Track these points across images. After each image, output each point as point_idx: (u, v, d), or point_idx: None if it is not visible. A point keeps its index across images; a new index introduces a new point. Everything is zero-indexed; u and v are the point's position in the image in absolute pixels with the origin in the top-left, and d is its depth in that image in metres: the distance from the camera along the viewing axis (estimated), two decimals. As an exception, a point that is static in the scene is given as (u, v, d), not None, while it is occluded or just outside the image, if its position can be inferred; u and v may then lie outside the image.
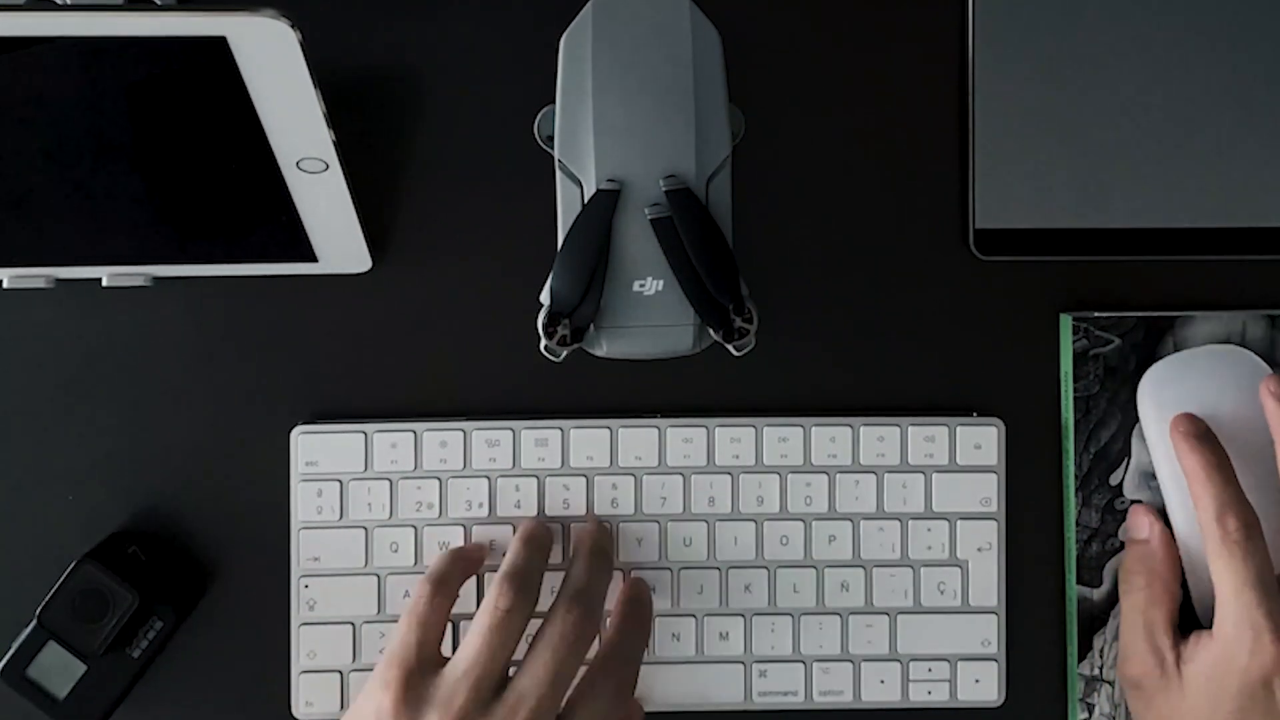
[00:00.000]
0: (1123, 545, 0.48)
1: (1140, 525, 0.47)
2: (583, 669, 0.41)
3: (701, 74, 0.44)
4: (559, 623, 0.41)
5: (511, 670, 0.41)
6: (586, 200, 0.43)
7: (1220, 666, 0.42)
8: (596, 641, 0.44)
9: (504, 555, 0.44)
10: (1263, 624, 0.41)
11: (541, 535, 0.45)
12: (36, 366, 0.48)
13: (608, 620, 0.45)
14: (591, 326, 0.44)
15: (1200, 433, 0.45)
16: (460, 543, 0.47)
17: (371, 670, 0.46)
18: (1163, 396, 0.47)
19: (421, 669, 0.40)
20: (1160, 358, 0.48)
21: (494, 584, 0.41)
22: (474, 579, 0.46)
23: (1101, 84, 0.48)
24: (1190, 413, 0.46)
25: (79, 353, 0.48)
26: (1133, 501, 0.47)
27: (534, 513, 0.47)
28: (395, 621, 0.46)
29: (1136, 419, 0.48)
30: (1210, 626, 0.43)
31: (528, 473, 0.47)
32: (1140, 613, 0.45)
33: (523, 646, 0.41)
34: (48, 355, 0.48)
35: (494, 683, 0.39)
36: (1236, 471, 0.44)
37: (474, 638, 0.40)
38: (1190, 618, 0.46)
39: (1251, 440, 0.45)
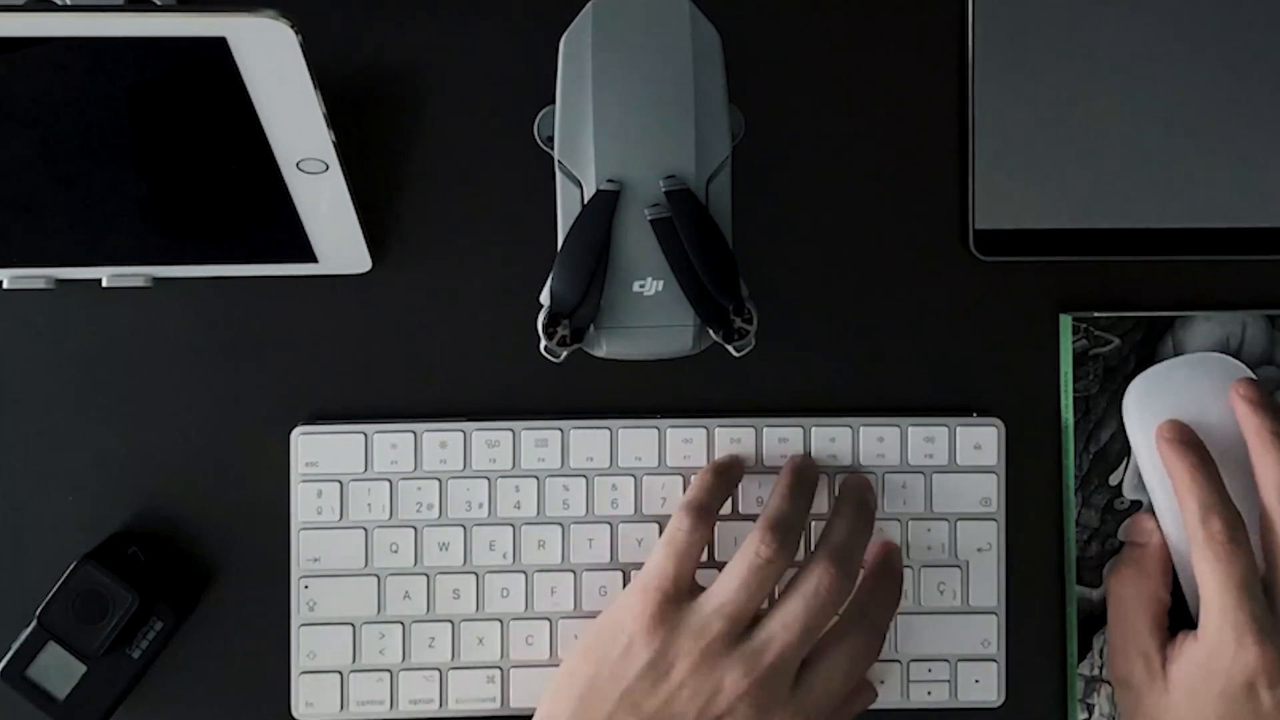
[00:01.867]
0: (1122, 545, 0.48)
1: (1141, 530, 0.47)
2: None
3: (701, 74, 0.44)
4: (815, 576, 0.42)
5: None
6: (586, 200, 0.43)
7: (1205, 668, 0.42)
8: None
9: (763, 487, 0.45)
10: (1246, 626, 0.41)
11: (805, 478, 0.45)
12: (36, 366, 0.48)
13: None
14: (591, 327, 0.43)
15: (1184, 438, 0.45)
16: (460, 545, 0.47)
17: (371, 672, 0.46)
18: (1147, 408, 0.46)
19: (678, 596, 0.42)
20: (1159, 358, 0.48)
21: (758, 529, 0.42)
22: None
23: (1101, 84, 0.48)
24: (1175, 419, 0.46)
25: (79, 353, 0.48)
26: (1133, 502, 0.47)
27: (534, 514, 0.47)
28: (396, 623, 0.46)
29: (1135, 420, 0.48)
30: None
31: (528, 473, 0.47)
32: (1127, 614, 0.45)
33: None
34: (48, 355, 0.48)
35: (747, 621, 0.41)
36: (1224, 476, 0.44)
37: (733, 578, 0.41)
38: (1182, 620, 0.45)
39: (1237, 445, 0.45)
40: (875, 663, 0.44)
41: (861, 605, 0.44)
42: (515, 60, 0.48)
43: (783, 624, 0.41)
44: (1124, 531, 0.48)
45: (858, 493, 0.45)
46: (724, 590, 0.41)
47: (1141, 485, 0.47)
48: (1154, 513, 0.47)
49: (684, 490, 0.47)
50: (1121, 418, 0.47)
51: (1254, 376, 0.46)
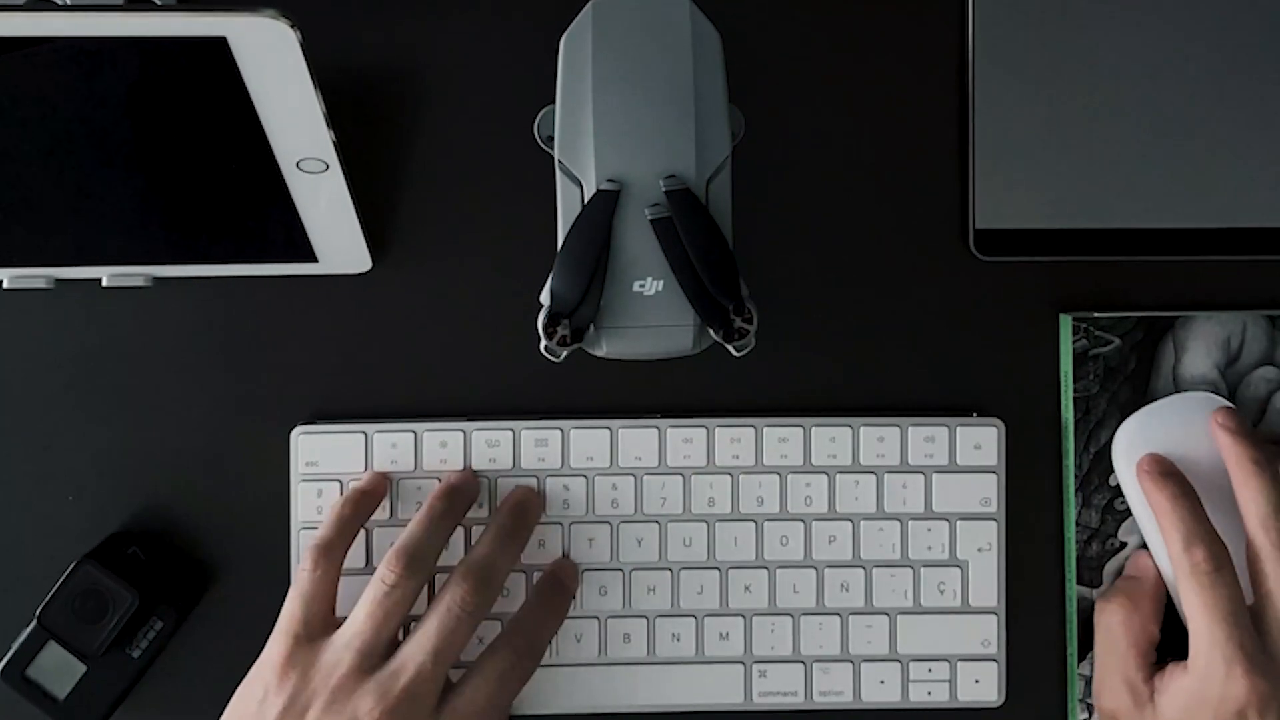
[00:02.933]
0: (1123, 545, 0.48)
1: (1137, 564, 0.47)
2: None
3: (701, 74, 0.44)
4: (448, 595, 0.41)
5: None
6: (586, 200, 0.43)
7: (1194, 699, 0.41)
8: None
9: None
10: (1235, 656, 0.40)
11: (455, 499, 0.45)
12: (36, 366, 0.48)
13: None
14: (591, 327, 0.43)
15: (1163, 469, 0.45)
16: (459, 546, 0.46)
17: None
18: (1136, 449, 0.46)
19: (310, 637, 0.41)
20: (1160, 358, 0.48)
21: (386, 556, 0.42)
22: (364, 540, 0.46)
23: (1101, 84, 0.48)
24: (1155, 453, 0.46)
25: (79, 353, 0.48)
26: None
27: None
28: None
29: (1136, 419, 0.48)
30: None
31: (528, 473, 0.47)
32: (1116, 644, 0.45)
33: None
34: (48, 355, 0.48)
35: (379, 652, 0.40)
36: (1215, 513, 0.43)
37: (360, 611, 0.41)
38: (1169, 655, 0.45)
39: (1227, 481, 0.44)
40: (531, 677, 0.43)
41: (516, 622, 0.44)
42: (515, 60, 0.48)
43: (416, 646, 0.40)
44: (1126, 566, 0.47)
45: (514, 508, 0.45)
46: (353, 623, 0.41)
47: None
48: (1149, 550, 0.47)
49: (684, 490, 0.47)
50: (1122, 416, 0.47)
51: (1232, 406, 0.46)
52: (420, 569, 0.42)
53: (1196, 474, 0.45)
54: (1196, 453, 0.46)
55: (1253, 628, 0.41)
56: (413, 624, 0.42)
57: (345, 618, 0.42)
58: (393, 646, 0.41)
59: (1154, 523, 0.45)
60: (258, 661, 0.42)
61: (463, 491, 0.45)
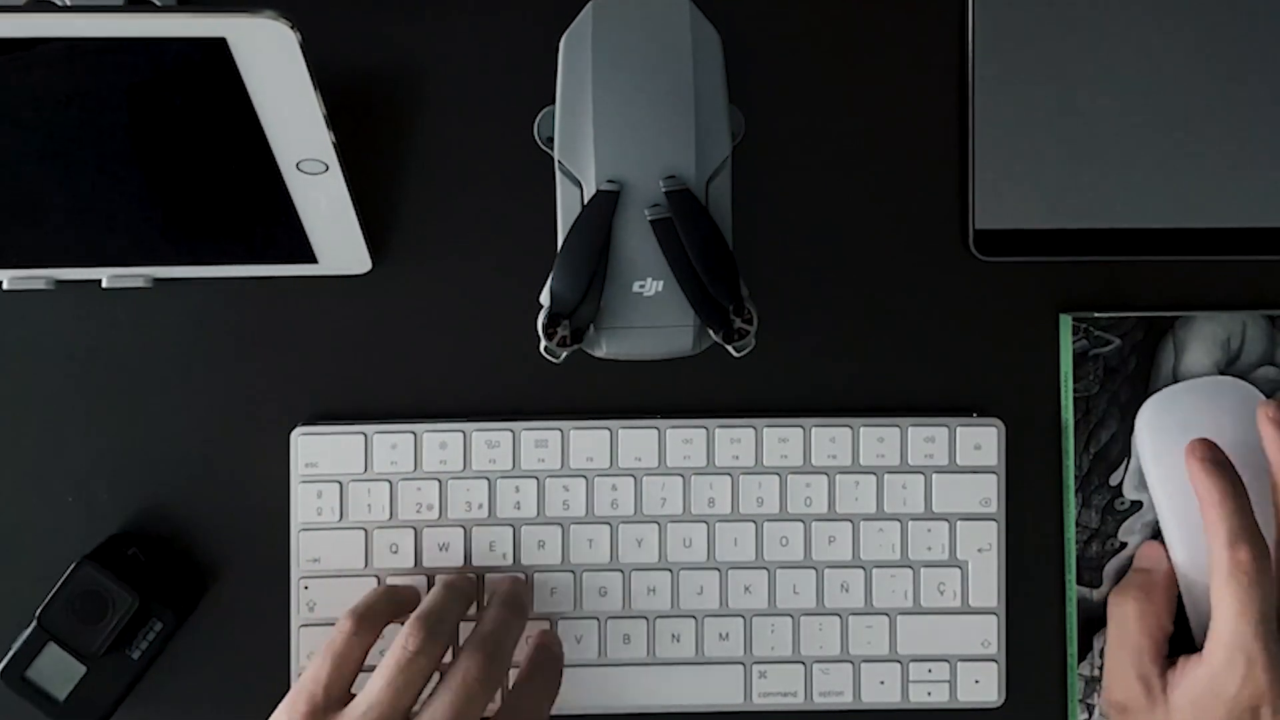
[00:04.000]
0: (1123, 545, 0.48)
1: (1148, 556, 0.47)
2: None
3: (701, 74, 0.44)
4: (461, 667, 0.40)
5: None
6: (586, 201, 0.43)
7: (1209, 692, 0.41)
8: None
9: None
10: (1258, 654, 0.40)
11: (463, 584, 0.45)
12: (36, 367, 0.48)
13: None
14: (591, 327, 0.43)
15: (1217, 458, 0.44)
16: (459, 545, 0.47)
17: (371, 672, 0.46)
18: (1159, 430, 0.46)
19: (326, 705, 0.40)
20: (1160, 358, 0.48)
21: (406, 623, 0.41)
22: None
23: (1101, 84, 0.48)
24: (1207, 439, 0.45)
25: (79, 353, 0.48)
26: (1133, 502, 0.47)
27: (534, 514, 0.47)
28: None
29: (1135, 419, 0.47)
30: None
31: (528, 474, 0.47)
32: (1130, 636, 0.45)
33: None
34: (48, 355, 0.48)
35: None
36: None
37: (379, 678, 0.40)
38: (1178, 649, 0.45)
39: (1249, 471, 0.44)
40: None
41: (517, 693, 0.43)
42: (515, 60, 0.48)
43: (431, 719, 0.39)
44: (1135, 558, 0.47)
45: (508, 589, 0.45)
46: (371, 691, 0.39)
47: (1143, 485, 0.47)
48: (1162, 537, 0.47)
49: (684, 491, 0.47)
50: (1122, 416, 0.47)
51: (1264, 399, 0.46)
52: (440, 637, 0.41)
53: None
54: (1222, 439, 0.45)
55: (1277, 628, 0.41)
56: (424, 695, 0.41)
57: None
58: (407, 718, 0.40)
59: (1175, 511, 0.45)
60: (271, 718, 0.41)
61: (466, 584, 0.45)
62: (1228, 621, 0.41)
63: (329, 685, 0.40)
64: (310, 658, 0.43)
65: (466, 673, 0.40)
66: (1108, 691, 0.46)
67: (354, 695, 0.41)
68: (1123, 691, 0.45)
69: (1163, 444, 0.46)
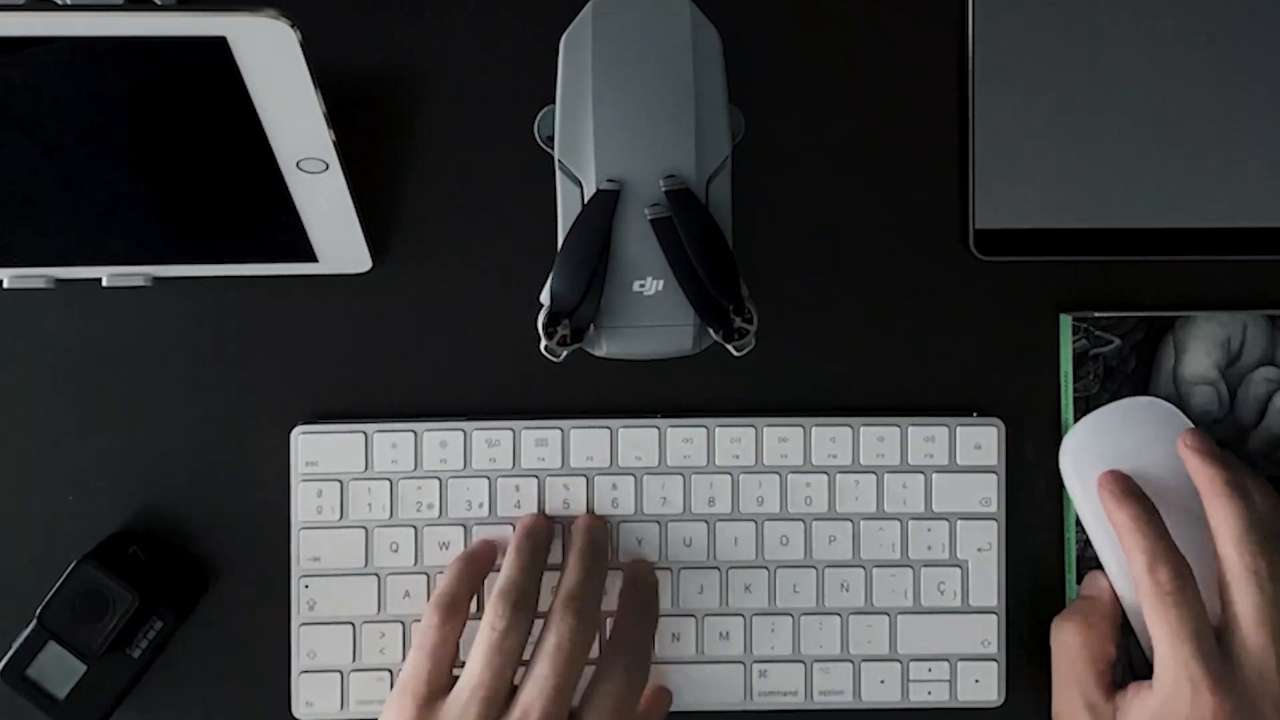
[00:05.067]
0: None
1: (1092, 584, 0.46)
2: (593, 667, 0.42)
3: (701, 74, 0.44)
4: (554, 632, 0.41)
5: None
6: (586, 200, 0.43)
7: (1159, 718, 0.41)
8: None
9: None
10: (1200, 675, 0.40)
11: (537, 538, 0.45)
12: (36, 366, 0.48)
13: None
14: (591, 326, 0.43)
15: (1126, 488, 0.44)
16: (460, 544, 0.47)
17: (371, 671, 0.46)
18: (1084, 459, 0.46)
19: (431, 696, 0.41)
20: (1160, 358, 0.48)
21: (489, 602, 0.42)
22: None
23: (1101, 84, 0.48)
24: (1115, 470, 0.45)
25: (79, 353, 0.48)
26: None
27: (534, 513, 0.47)
28: (396, 622, 0.46)
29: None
30: None
31: (528, 473, 0.47)
32: (1073, 664, 0.45)
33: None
34: (48, 355, 0.48)
35: (502, 699, 0.40)
36: (1171, 525, 0.43)
37: (475, 661, 0.41)
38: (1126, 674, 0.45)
39: (1176, 492, 0.44)
40: (648, 678, 0.44)
41: (618, 632, 0.44)
42: (515, 60, 0.48)
43: (534, 689, 0.40)
44: (1081, 586, 0.47)
45: (585, 537, 0.45)
46: (471, 675, 0.40)
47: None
48: (1101, 566, 0.47)
49: (684, 490, 0.47)
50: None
51: (1192, 425, 0.46)
52: (526, 609, 0.42)
53: (1146, 484, 0.45)
54: (1145, 462, 0.45)
55: (1217, 647, 0.41)
56: (522, 667, 0.42)
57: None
58: (512, 692, 0.41)
59: (1109, 540, 0.45)
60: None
61: (542, 530, 0.46)
62: (1166, 647, 0.41)
63: (430, 678, 0.41)
64: (405, 651, 0.43)
65: (560, 637, 0.41)
66: (1058, 713, 0.46)
67: (456, 677, 0.41)
68: (1070, 716, 0.45)
69: (1089, 473, 0.46)
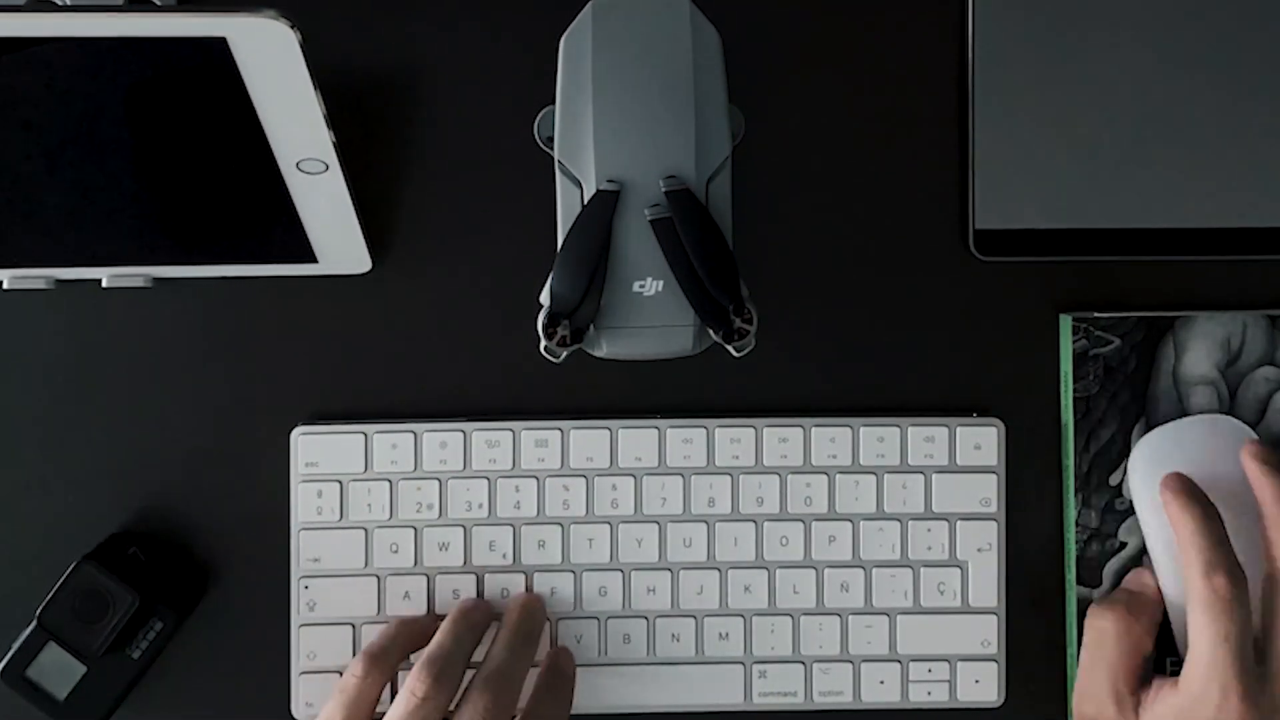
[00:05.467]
0: (1123, 545, 0.48)
1: (1138, 581, 0.47)
2: None
3: (701, 74, 0.43)
4: (470, 706, 0.41)
5: None
6: (586, 201, 0.43)
7: (1183, 718, 0.41)
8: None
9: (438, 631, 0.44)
10: (1233, 683, 0.40)
11: (475, 614, 0.45)
12: (36, 366, 0.48)
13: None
14: (591, 327, 0.43)
15: (1190, 490, 0.44)
16: (459, 545, 0.47)
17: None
18: (1155, 463, 0.46)
19: None
20: (1160, 359, 0.48)
21: (414, 668, 0.41)
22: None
23: (1101, 84, 0.48)
24: (1180, 472, 0.45)
25: (79, 353, 0.48)
26: (1133, 502, 0.47)
27: (534, 514, 0.47)
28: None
29: (1135, 419, 0.48)
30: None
31: (528, 473, 0.47)
32: (1108, 652, 0.45)
33: None
34: (48, 355, 0.48)
35: None
36: (1231, 536, 0.43)
37: None
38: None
39: (1242, 506, 0.44)
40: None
41: (535, 705, 0.43)
42: (515, 60, 0.48)
43: None
44: (1124, 581, 0.47)
45: (518, 615, 0.45)
46: None
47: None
48: (1151, 564, 0.47)
49: (684, 490, 0.47)
50: (1122, 416, 0.47)
51: (1256, 437, 0.46)
52: (449, 680, 0.41)
53: (1215, 495, 0.45)
54: (1216, 474, 0.45)
55: (1254, 657, 0.41)
56: None
57: None
58: None
59: (1163, 541, 0.45)
60: None
61: (482, 611, 0.46)
62: (1204, 650, 0.41)
63: None
64: (317, 706, 0.43)
65: (474, 712, 0.40)
66: (1079, 704, 0.46)
67: None
68: (1094, 707, 0.45)
69: (1156, 475, 0.46)
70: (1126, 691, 0.44)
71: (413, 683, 0.41)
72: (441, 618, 0.45)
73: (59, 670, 0.44)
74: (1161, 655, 0.46)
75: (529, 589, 0.46)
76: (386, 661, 0.43)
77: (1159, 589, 0.46)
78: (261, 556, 0.47)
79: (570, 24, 0.44)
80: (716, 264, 0.43)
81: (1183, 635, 0.45)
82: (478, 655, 0.44)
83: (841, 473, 0.47)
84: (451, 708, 0.41)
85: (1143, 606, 0.45)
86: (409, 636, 0.45)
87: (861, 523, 0.47)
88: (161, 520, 0.48)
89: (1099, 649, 0.45)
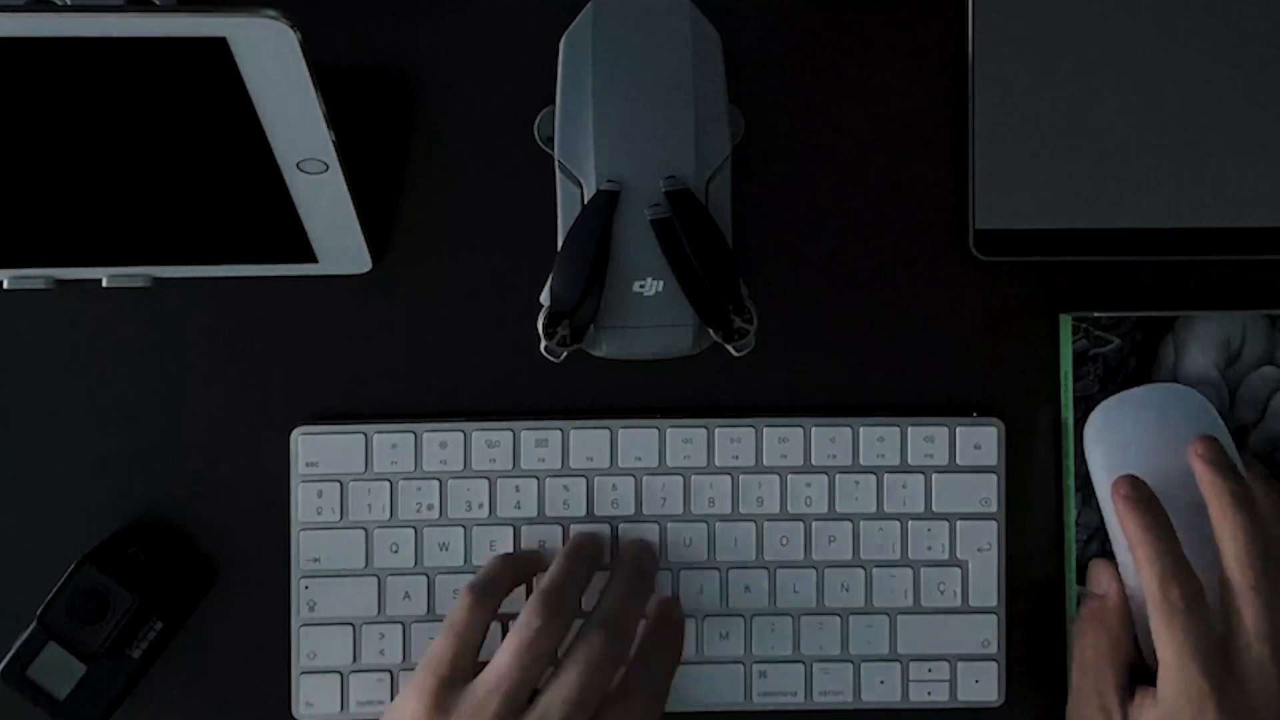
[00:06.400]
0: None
1: (1099, 580, 0.47)
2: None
3: (701, 74, 0.44)
4: (586, 645, 0.41)
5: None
6: (586, 200, 0.43)
7: None
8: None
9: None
10: (1206, 692, 0.40)
11: (588, 548, 0.45)
12: (36, 366, 0.48)
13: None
14: (591, 327, 0.43)
15: (1140, 495, 0.45)
16: (460, 545, 0.47)
17: (371, 672, 0.46)
18: (1108, 440, 0.46)
19: (454, 679, 0.41)
20: (1160, 358, 0.48)
21: (530, 600, 0.42)
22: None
23: (1101, 84, 0.48)
24: (1131, 475, 0.45)
25: (79, 353, 0.48)
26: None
27: (534, 514, 0.47)
28: (396, 623, 0.46)
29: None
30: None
31: (528, 473, 0.47)
32: (1090, 668, 0.45)
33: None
34: (48, 355, 0.48)
35: (523, 697, 0.40)
36: (1187, 516, 0.44)
37: (505, 654, 0.40)
38: (1142, 672, 0.45)
39: (1194, 487, 0.44)
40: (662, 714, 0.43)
41: (641, 662, 0.43)
42: (515, 60, 0.48)
43: (558, 695, 0.40)
44: (1087, 580, 0.47)
45: (633, 562, 0.45)
46: (499, 666, 0.40)
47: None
48: (1114, 557, 0.47)
49: (684, 490, 0.47)
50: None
51: (1216, 416, 0.46)
52: (564, 611, 0.42)
53: (1168, 470, 0.45)
54: (1170, 448, 0.45)
55: (1222, 662, 0.41)
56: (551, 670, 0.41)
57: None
58: (534, 693, 0.41)
59: (1116, 520, 0.46)
60: (397, 700, 0.41)
61: (597, 545, 0.46)
62: (1170, 661, 0.42)
63: (454, 661, 0.41)
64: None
65: (590, 651, 0.41)
66: (1070, 711, 0.46)
67: (483, 664, 0.41)
68: (1084, 717, 0.45)
69: (1112, 457, 0.46)
70: (1114, 703, 0.44)
71: (528, 615, 0.41)
72: (540, 553, 0.46)
73: (59, 670, 0.44)
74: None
75: (530, 589, 0.46)
76: (494, 595, 0.43)
77: (1120, 588, 0.46)
78: (261, 557, 0.47)
79: (570, 24, 0.44)
80: (716, 264, 0.43)
81: (1144, 628, 0.45)
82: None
83: (841, 473, 0.47)
84: (566, 646, 0.42)
85: (1109, 612, 0.45)
86: (514, 569, 0.45)
87: (861, 523, 0.47)
88: (161, 520, 0.48)
89: (1082, 660, 0.45)
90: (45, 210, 0.42)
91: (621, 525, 0.47)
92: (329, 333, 0.48)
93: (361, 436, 0.47)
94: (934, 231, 0.49)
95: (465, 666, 0.41)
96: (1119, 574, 0.46)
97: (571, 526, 0.47)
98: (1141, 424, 0.46)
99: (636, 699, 0.42)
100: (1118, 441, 0.46)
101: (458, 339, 0.48)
